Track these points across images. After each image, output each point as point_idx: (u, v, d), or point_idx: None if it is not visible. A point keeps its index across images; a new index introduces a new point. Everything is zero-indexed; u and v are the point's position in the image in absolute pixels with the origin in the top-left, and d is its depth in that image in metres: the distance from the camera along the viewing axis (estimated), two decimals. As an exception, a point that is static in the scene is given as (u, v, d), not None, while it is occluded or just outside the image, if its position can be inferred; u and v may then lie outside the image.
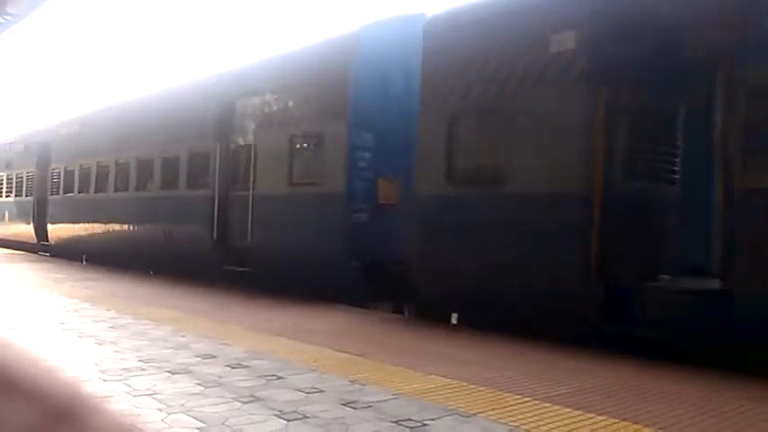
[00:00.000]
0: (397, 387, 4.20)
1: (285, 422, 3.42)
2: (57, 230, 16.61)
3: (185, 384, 4.14)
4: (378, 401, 3.85)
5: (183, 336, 5.92)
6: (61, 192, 16.51)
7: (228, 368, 4.64)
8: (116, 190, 14.07)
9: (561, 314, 5.94)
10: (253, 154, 10.08)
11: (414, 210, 7.48)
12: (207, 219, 10.80)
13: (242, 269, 9.99)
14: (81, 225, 15.26)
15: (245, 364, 4.79)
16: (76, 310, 7.36)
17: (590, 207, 5.87)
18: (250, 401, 3.78)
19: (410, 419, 3.51)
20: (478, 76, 6.85)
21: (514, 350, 5.69)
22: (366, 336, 6.30)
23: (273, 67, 10.28)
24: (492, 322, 6.26)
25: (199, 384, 4.15)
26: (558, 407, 3.82)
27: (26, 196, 18.61)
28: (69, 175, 16.11)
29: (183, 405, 3.66)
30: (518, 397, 4.03)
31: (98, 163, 14.81)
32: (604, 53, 5.90)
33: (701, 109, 5.91)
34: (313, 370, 4.64)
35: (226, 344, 5.57)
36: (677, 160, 6.25)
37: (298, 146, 9.43)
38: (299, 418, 3.48)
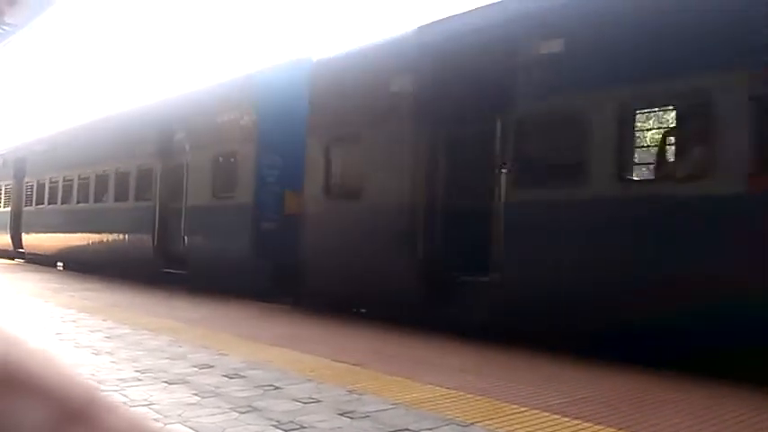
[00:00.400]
0: (395, 397, 4.19)
1: (282, 432, 3.41)
2: (30, 239, 18.27)
3: (182, 395, 4.13)
4: (375, 411, 3.84)
5: (180, 346, 5.91)
6: (34, 203, 18.23)
7: (226, 378, 4.63)
8: (78, 202, 15.73)
9: (400, 299, 7.71)
10: (185, 171, 11.74)
11: (303, 218, 9.13)
12: (150, 227, 12.51)
13: (177, 271, 11.51)
14: (50, 234, 16.84)
15: (242, 374, 4.78)
16: (73, 321, 7.34)
17: (418, 217, 7.60)
18: (247, 411, 3.77)
19: (407, 429, 3.51)
20: (344, 110, 8.64)
21: (504, 358, 5.69)
22: (366, 344, 6.28)
23: (201, 98, 12.01)
24: (356, 306, 8.61)
25: (196, 395, 4.14)
26: (555, 416, 3.82)
27: (4, 207, 20.37)
28: (41, 188, 17.82)
29: (180, 415, 3.65)
30: (515, 406, 4.03)
31: (64, 177, 16.43)
32: (431, 94, 7.55)
33: (491, 142, 7.21)
34: (310, 380, 4.63)
35: (223, 354, 5.55)
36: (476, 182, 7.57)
37: (219, 165, 11.07)
38: (297, 429, 3.47)
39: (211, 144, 11.17)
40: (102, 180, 14.55)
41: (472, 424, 3.63)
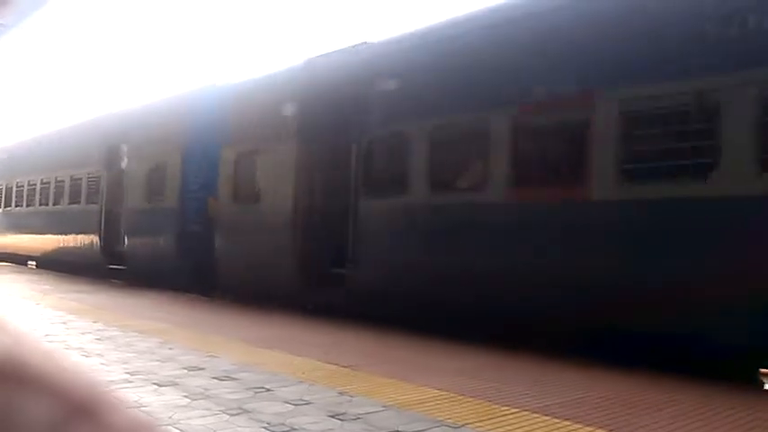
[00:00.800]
0: (386, 398, 4.18)
1: (273, 434, 3.39)
2: (3, 240, 19.59)
3: (172, 397, 4.10)
4: (366, 413, 3.83)
5: (171, 348, 5.88)
6: (2, 205, 19.94)
7: (216, 380, 4.60)
8: (40, 204, 17.25)
9: (284, 290, 9.15)
10: (125, 179, 13.34)
11: (216, 221, 10.71)
12: (97, 227, 14.18)
13: (119, 266, 13.26)
14: (22, 235, 18.26)
15: (232, 376, 4.76)
16: (63, 323, 7.29)
17: (298, 220, 9.16)
18: (237, 414, 3.75)
19: (398, 431, 3.50)
20: (248, 129, 10.28)
21: (498, 361, 5.70)
22: (358, 346, 6.27)
23: (139, 114, 13.59)
24: (252, 296, 9.80)
25: (186, 397, 4.11)
26: (547, 417, 3.82)
27: None
28: (9, 191, 19.53)
29: (170, 417, 3.63)
30: (507, 408, 4.02)
31: (28, 182, 18.06)
32: (308, 119, 9.24)
33: (349, 159, 8.68)
34: (301, 382, 4.61)
35: (213, 356, 5.53)
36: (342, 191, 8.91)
37: (152, 174, 12.43)
38: (287, 431, 3.46)
39: (146, 155, 12.72)
40: (60, 185, 16.19)
41: (463, 425, 3.62)
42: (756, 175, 5.05)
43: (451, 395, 4.32)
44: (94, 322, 7.38)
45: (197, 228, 11.14)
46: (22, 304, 9.00)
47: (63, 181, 15.88)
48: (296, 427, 3.52)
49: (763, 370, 5.65)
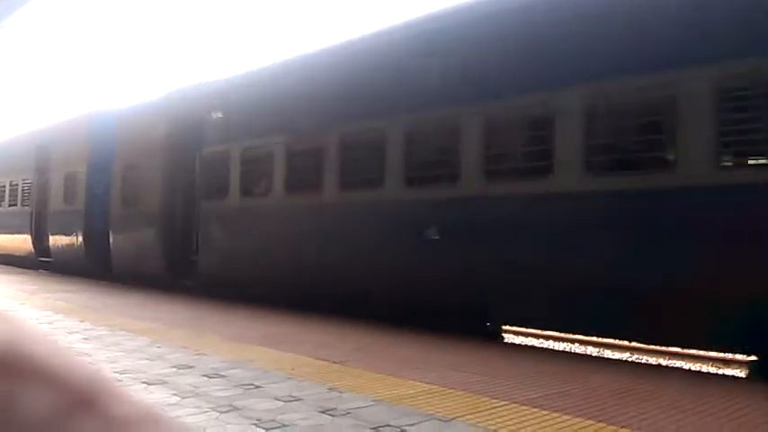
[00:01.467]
0: (376, 393, 4.20)
1: (264, 431, 3.39)
2: None
3: (162, 395, 4.09)
4: (356, 408, 3.84)
5: (159, 346, 5.85)
6: None
7: (206, 378, 4.59)
8: None
9: (157, 274, 11.82)
10: (49, 185, 15.87)
11: (110, 222, 13.68)
12: (29, 226, 16.85)
13: (46, 259, 15.97)
14: None
15: (222, 373, 4.75)
16: (50, 323, 7.23)
17: (163, 216, 11.83)
18: (228, 411, 3.75)
19: (389, 425, 3.51)
20: (131, 146, 12.84)
21: (487, 354, 5.73)
22: (348, 342, 6.28)
23: (59, 128, 15.99)
24: (137, 279, 12.42)
25: (176, 395, 4.10)
26: (536, 410, 3.85)
27: None
28: None
29: (159, 416, 3.61)
30: (496, 401, 4.05)
31: None
32: (168, 138, 11.78)
33: (192, 170, 11.43)
34: (291, 378, 4.61)
35: (202, 354, 5.51)
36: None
37: (66, 181, 15.03)
38: (278, 427, 3.46)
39: (63, 165, 15.26)
40: (1, 189, 18.92)
41: (454, 419, 3.64)
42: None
43: (441, 389, 4.34)
44: (81, 322, 7.33)
45: (99, 225, 13.90)
46: (6, 305, 8.91)
47: (4, 186, 18.77)
48: (286, 423, 3.52)
49: (506, 327, 7.73)
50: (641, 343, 7.04)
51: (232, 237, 10.33)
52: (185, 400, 3.99)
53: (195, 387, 4.31)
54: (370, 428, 3.46)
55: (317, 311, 8.32)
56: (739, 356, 6.50)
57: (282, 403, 3.93)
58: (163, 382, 4.43)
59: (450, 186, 7.27)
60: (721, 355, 7.07)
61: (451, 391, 4.29)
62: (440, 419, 3.64)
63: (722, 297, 5.16)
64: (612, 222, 5.99)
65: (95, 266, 13.91)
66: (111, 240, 13.43)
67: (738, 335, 5.25)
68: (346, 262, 8.33)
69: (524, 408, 3.89)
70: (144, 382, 4.42)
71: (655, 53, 5.83)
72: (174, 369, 4.88)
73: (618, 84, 5.98)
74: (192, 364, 5.06)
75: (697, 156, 5.50)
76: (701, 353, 7.16)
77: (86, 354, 5.45)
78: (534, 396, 4.18)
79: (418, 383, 4.48)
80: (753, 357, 5.65)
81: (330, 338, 6.54)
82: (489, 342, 6.51)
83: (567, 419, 3.65)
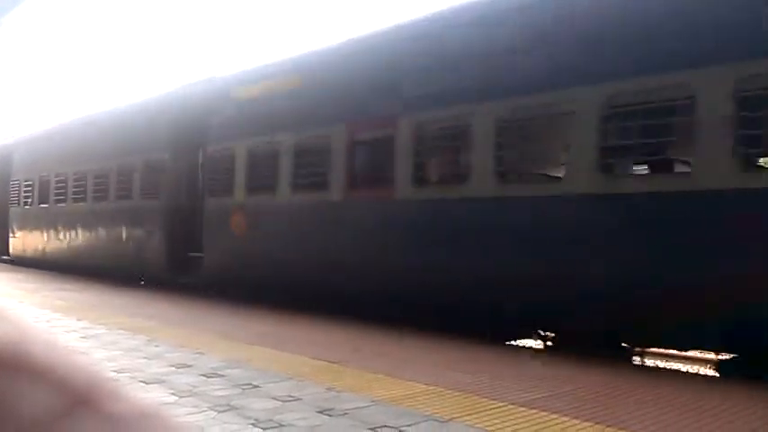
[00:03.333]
0: (375, 394, 4.19)
1: (261, 430, 3.39)
2: None
3: (159, 394, 4.09)
4: (354, 408, 3.83)
5: (157, 345, 5.85)
6: None
7: (203, 377, 4.59)
8: None
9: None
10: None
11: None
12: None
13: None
14: None
15: (220, 372, 4.74)
16: (48, 321, 7.23)
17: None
18: (225, 410, 3.75)
19: (386, 426, 3.51)
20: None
21: (486, 355, 5.72)
22: (347, 343, 6.28)
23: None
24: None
25: (173, 394, 4.10)
26: (534, 411, 3.84)
27: None
28: None
29: (156, 415, 3.61)
30: (494, 402, 4.05)
31: None
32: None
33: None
34: (289, 378, 4.61)
35: (200, 353, 5.51)
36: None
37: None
38: (275, 427, 3.45)
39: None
40: None
41: (451, 420, 3.64)
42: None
43: (439, 389, 4.33)
44: (79, 320, 7.32)
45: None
46: (5, 303, 8.90)
47: None
48: (284, 423, 3.52)
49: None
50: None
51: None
52: (183, 399, 3.99)
53: (193, 386, 4.31)
54: (368, 429, 3.45)
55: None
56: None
57: (280, 403, 3.92)
58: (161, 381, 4.42)
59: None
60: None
61: (450, 391, 4.29)
62: (438, 420, 3.63)
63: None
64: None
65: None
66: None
67: None
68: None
69: (522, 409, 3.89)
70: (142, 381, 4.41)
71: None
72: (172, 368, 4.88)
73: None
74: (189, 363, 5.05)
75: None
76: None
77: (84, 352, 5.44)
78: (533, 397, 4.18)
79: (417, 384, 4.48)
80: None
81: (329, 338, 6.53)
82: (486, 343, 6.50)
83: (566, 421, 3.65)
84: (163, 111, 11.91)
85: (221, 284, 10.49)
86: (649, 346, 6.70)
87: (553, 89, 6.22)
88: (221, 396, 4.06)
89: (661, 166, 6.03)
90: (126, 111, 13.47)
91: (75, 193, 14.85)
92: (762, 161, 5.61)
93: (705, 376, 4.84)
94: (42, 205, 16.47)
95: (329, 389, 4.30)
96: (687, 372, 5.34)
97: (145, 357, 5.28)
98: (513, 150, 6.84)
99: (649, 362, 7.02)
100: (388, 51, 8.06)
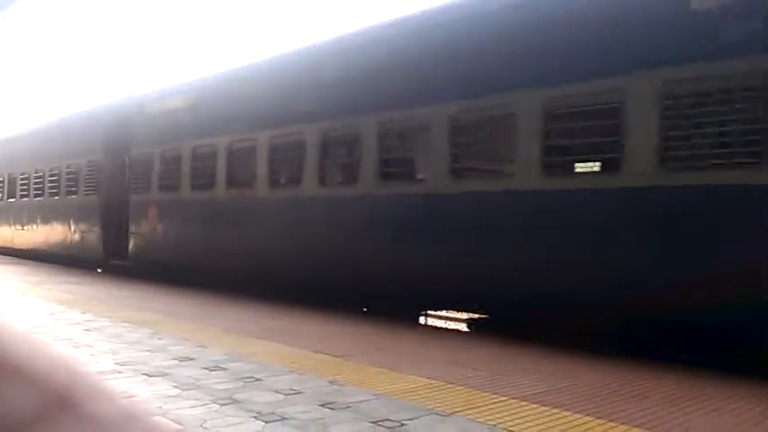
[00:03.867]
0: (377, 388, 4.21)
1: (263, 423, 3.41)
2: None
3: (162, 387, 4.11)
4: (357, 402, 3.85)
5: (161, 338, 5.87)
6: None
7: (206, 370, 4.61)
8: None
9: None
10: None
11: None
12: None
13: None
14: None
15: (222, 366, 4.77)
16: (52, 313, 7.27)
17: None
18: (228, 404, 3.77)
19: (388, 419, 3.52)
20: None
21: (487, 350, 5.73)
22: (351, 337, 6.29)
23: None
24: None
25: (176, 387, 4.12)
26: (535, 405, 3.86)
27: None
28: None
29: (160, 408, 3.63)
30: (495, 396, 4.06)
31: None
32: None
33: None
34: (292, 371, 4.63)
35: (203, 346, 5.53)
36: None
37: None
38: (278, 420, 3.47)
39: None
40: None
41: (453, 413, 3.65)
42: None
43: (441, 384, 4.35)
44: (83, 313, 7.36)
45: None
46: (9, 295, 8.95)
47: None
48: (286, 416, 3.54)
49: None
50: None
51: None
52: (186, 392, 4.01)
53: (196, 379, 4.33)
54: (370, 422, 3.47)
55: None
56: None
57: (283, 396, 3.94)
58: (164, 375, 4.45)
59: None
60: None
61: (451, 385, 4.30)
62: (439, 414, 3.64)
63: None
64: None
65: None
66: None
67: None
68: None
69: (524, 403, 3.90)
70: (144, 374, 4.44)
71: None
72: (176, 361, 4.90)
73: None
74: (192, 357, 5.07)
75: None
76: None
77: (88, 345, 5.47)
78: (534, 392, 4.19)
79: (418, 378, 4.49)
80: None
81: (331, 332, 6.55)
82: (487, 339, 6.51)
83: (567, 415, 3.66)
84: (99, 119, 14.10)
85: (143, 267, 12.42)
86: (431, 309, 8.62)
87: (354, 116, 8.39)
88: (224, 389, 4.08)
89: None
90: (75, 118, 15.59)
91: (35, 188, 16.89)
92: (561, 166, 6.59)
93: (705, 369, 4.85)
94: (11, 200, 18.72)
95: (331, 382, 4.32)
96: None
97: (148, 350, 5.30)
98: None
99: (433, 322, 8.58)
100: (250, 81, 10.43)
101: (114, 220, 13.34)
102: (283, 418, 3.49)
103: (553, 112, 6.27)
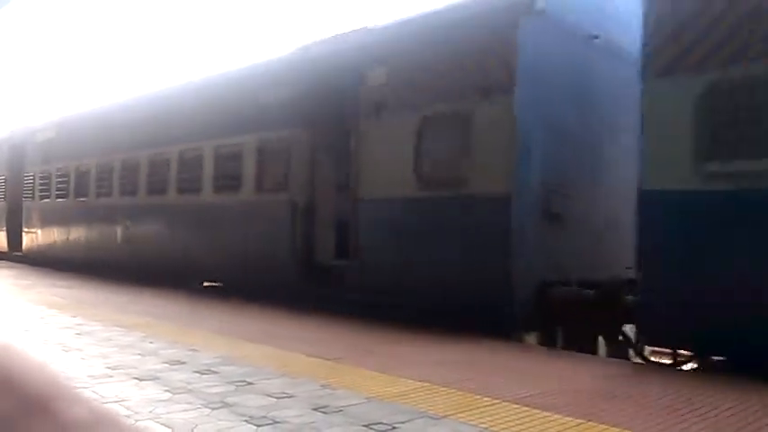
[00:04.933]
0: (369, 391, 4.20)
1: (255, 427, 3.39)
2: None
3: (153, 391, 4.09)
4: (349, 405, 3.84)
5: (152, 342, 5.85)
6: None
7: (198, 374, 4.59)
8: None
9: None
10: None
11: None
12: None
13: None
14: None
15: (214, 369, 4.75)
16: (42, 317, 7.22)
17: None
18: (219, 407, 3.75)
19: (381, 423, 3.52)
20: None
21: (480, 353, 5.74)
22: (343, 340, 6.29)
23: None
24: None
25: (167, 391, 4.10)
26: (526, 408, 3.86)
27: None
28: None
29: (151, 412, 3.61)
30: (488, 399, 4.06)
31: None
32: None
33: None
34: (284, 375, 4.61)
35: (195, 350, 5.51)
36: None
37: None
38: (269, 424, 3.46)
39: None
40: None
41: (445, 417, 3.65)
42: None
43: (433, 387, 4.35)
44: (74, 317, 7.31)
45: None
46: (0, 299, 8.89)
47: None
48: (278, 420, 3.53)
49: None
50: None
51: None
52: (177, 396, 3.99)
53: (187, 383, 4.31)
54: (363, 425, 3.46)
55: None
56: None
57: (275, 400, 3.93)
58: (155, 378, 4.43)
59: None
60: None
61: (444, 388, 4.30)
62: (432, 417, 3.64)
63: None
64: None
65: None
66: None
67: None
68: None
69: (516, 406, 3.90)
70: (136, 378, 4.41)
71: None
72: (167, 365, 4.88)
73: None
74: (184, 360, 5.05)
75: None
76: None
77: (78, 349, 5.44)
78: (526, 394, 4.19)
79: (411, 381, 4.49)
80: None
81: (323, 336, 6.54)
82: (481, 341, 6.51)
83: (558, 418, 3.66)
84: (6, 142, 17.78)
85: (34, 257, 15.92)
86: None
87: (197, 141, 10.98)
88: (215, 393, 4.07)
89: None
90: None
91: None
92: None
93: (703, 373, 4.88)
94: None
95: (324, 386, 4.31)
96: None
97: (139, 354, 5.28)
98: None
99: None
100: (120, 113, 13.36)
101: (15, 222, 17.11)
102: (275, 422, 3.48)
103: (221, 152, 10.31)
